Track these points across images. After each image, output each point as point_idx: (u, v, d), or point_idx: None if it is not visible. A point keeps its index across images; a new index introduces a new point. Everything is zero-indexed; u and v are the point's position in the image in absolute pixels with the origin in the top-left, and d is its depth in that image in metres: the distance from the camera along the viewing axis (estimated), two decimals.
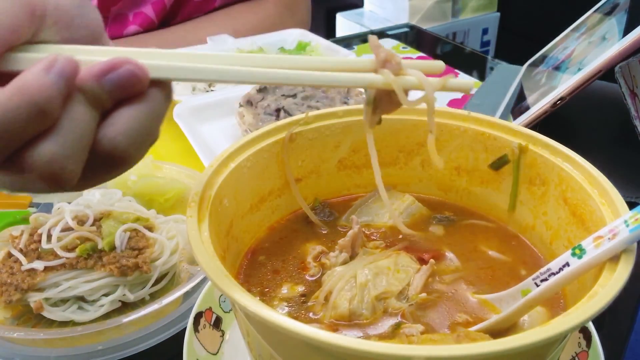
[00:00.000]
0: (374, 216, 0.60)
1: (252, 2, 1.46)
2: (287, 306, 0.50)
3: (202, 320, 0.59)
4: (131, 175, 0.80)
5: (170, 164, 0.85)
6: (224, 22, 1.40)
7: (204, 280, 0.65)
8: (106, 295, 0.65)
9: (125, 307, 0.67)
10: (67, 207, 0.70)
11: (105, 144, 0.38)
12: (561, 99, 0.81)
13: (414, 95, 0.46)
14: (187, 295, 0.65)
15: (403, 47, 1.49)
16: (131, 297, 0.66)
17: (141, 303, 0.67)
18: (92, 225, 0.68)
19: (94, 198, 0.74)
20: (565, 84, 0.81)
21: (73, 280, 0.64)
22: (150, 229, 0.70)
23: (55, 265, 0.64)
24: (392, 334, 0.46)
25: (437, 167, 0.61)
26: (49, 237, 0.66)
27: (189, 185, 0.81)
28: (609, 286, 0.37)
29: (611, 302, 0.36)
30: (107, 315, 0.65)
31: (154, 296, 0.68)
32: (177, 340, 0.59)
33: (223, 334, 0.61)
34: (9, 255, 0.66)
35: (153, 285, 0.68)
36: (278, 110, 0.94)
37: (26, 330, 0.62)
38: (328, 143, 0.60)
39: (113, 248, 0.66)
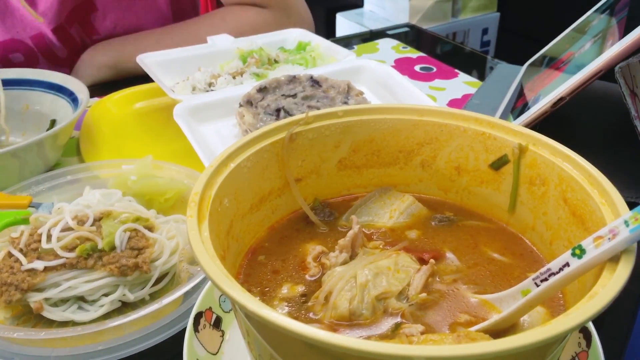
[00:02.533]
0: (374, 216, 0.60)
1: (248, 7, 1.46)
2: (287, 306, 0.50)
3: (202, 320, 0.59)
4: (131, 176, 0.80)
5: (170, 164, 0.85)
6: (221, 25, 1.40)
7: (204, 280, 0.65)
8: (106, 295, 0.65)
9: (125, 307, 0.67)
10: (67, 207, 0.70)
11: None
12: (561, 99, 0.81)
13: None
14: (187, 295, 0.65)
15: (403, 47, 1.49)
16: (131, 297, 0.66)
17: (141, 303, 0.67)
18: (92, 225, 0.68)
19: (94, 198, 0.74)
20: (565, 84, 0.81)
21: (73, 280, 0.64)
22: (150, 229, 0.70)
23: (55, 265, 0.64)
24: (392, 334, 0.46)
25: (437, 167, 0.61)
26: (49, 237, 0.66)
27: (189, 185, 0.81)
28: (609, 286, 0.37)
29: (611, 302, 0.36)
30: (107, 315, 0.65)
31: (154, 296, 0.68)
32: (177, 340, 0.59)
33: (223, 334, 0.61)
34: (9, 255, 0.66)
35: (153, 285, 0.68)
36: (278, 110, 0.94)
37: (26, 330, 0.62)
38: (328, 143, 0.60)
39: (113, 248, 0.66)
